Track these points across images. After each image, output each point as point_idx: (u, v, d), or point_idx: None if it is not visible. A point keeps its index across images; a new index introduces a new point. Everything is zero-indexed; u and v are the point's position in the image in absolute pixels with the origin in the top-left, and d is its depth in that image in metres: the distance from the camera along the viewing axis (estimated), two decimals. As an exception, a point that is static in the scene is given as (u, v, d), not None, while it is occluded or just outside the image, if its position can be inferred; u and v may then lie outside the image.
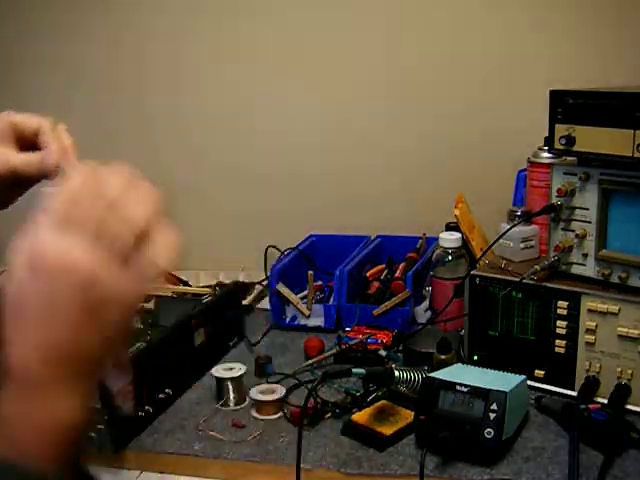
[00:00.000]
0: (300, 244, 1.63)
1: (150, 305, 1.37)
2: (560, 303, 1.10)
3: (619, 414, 1.03)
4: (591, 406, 1.02)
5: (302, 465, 0.91)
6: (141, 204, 0.52)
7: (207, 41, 1.70)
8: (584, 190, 1.09)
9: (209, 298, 1.35)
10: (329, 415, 1.09)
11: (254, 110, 1.71)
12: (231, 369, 1.15)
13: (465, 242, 1.38)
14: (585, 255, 1.10)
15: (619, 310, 1.05)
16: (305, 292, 1.46)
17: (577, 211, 1.10)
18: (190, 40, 1.70)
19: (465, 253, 1.37)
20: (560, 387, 1.13)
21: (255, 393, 1.12)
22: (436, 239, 1.41)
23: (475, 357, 1.20)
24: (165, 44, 1.72)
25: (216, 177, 1.77)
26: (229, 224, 1.79)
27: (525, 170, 1.33)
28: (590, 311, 1.08)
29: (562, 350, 1.11)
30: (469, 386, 0.98)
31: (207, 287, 1.54)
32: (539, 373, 1.14)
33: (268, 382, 1.20)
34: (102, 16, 1.72)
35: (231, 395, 1.14)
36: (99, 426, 1.00)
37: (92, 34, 1.74)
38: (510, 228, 1.20)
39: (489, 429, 0.95)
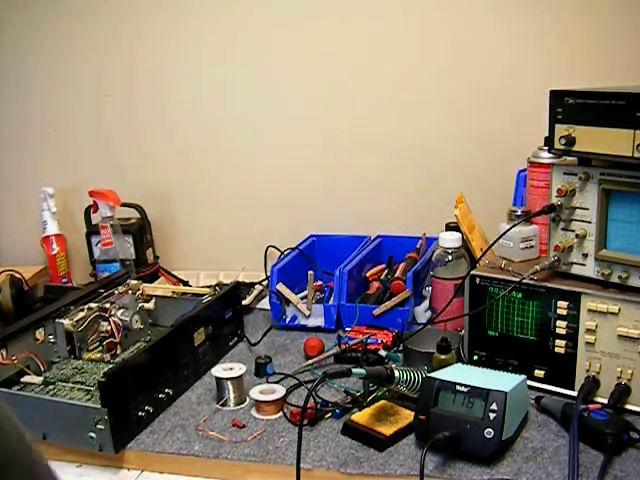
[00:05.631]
0: (300, 244, 1.63)
1: (150, 305, 1.37)
2: (560, 303, 1.10)
3: (619, 414, 1.03)
4: (591, 406, 1.02)
5: (302, 465, 0.91)
6: None
7: (204, 43, 1.70)
8: (584, 190, 1.09)
9: (209, 298, 1.35)
10: (329, 415, 1.09)
11: (253, 111, 1.71)
12: (231, 369, 1.15)
13: (465, 242, 1.38)
14: (585, 255, 1.10)
15: (619, 310, 1.05)
16: (305, 292, 1.46)
17: (577, 211, 1.10)
18: (190, 40, 1.71)
19: (465, 253, 1.37)
20: (560, 387, 1.13)
21: (255, 393, 1.12)
22: (436, 239, 1.41)
23: (475, 357, 1.20)
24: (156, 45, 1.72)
25: (216, 178, 1.77)
26: (229, 224, 1.79)
27: (525, 170, 1.33)
28: (590, 311, 1.08)
29: (562, 350, 1.11)
30: (469, 386, 0.98)
31: (207, 287, 1.54)
32: (539, 373, 1.14)
33: (268, 382, 1.20)
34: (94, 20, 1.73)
35: (231, 395, 1.14)
36: (99, 426, 1.00)
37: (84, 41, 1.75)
38: (510, 228, 1.20)
39: (489, 429, 0.95)
